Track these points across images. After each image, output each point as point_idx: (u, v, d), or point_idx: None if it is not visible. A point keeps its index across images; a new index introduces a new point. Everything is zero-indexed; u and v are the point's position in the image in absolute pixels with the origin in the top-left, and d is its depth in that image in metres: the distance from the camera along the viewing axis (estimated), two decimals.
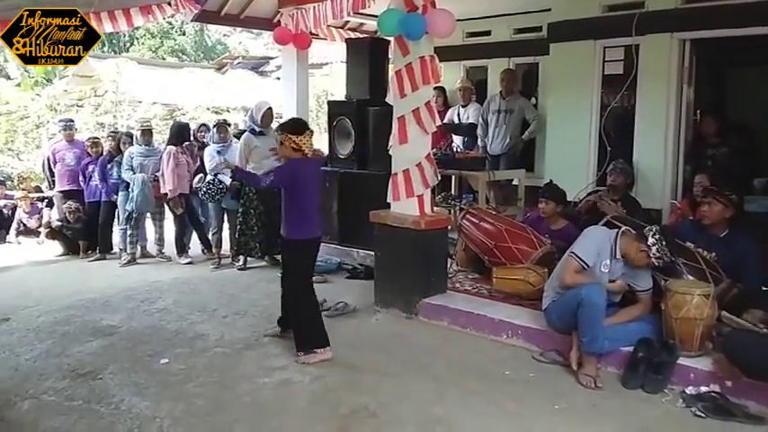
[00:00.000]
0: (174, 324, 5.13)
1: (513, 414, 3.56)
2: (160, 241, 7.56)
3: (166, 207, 7.39)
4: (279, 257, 6.40)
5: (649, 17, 6.24)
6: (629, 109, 6.56)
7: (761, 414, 3.48)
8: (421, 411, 3.59)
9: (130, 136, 7.77)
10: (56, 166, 8.16)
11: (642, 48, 6.36)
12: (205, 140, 7.67)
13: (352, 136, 7.02)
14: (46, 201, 8.88)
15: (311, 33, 7.76)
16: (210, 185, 6.89)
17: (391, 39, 5.33)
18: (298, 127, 4.42)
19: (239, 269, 6.91)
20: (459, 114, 8.55)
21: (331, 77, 14.24)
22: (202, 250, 7.62)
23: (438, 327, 4.97)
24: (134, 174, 7.13)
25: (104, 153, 7.76)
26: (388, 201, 5.30)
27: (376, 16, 5.55)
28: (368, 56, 7.06)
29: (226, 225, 7.30)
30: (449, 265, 5.66)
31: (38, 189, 9.60)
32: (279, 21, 8.02)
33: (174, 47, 22.34)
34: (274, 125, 6.86)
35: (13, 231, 8.71)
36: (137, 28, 17.40)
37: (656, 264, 4.04)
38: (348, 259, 6.84)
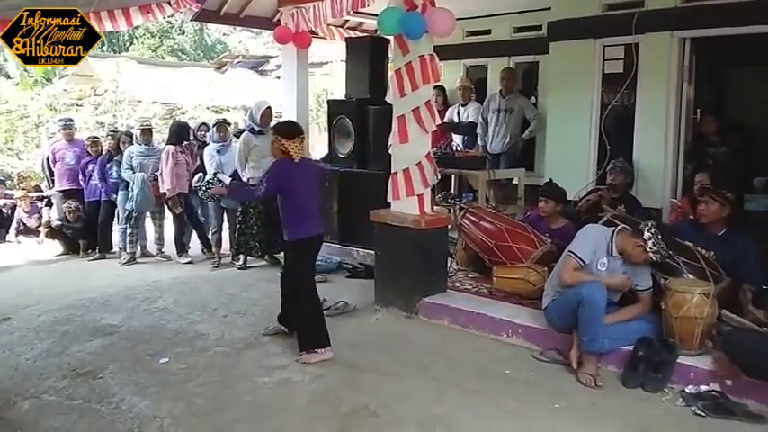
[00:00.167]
0: (174, 323, 5.13)
1: (514, 413, 3.56)
2: (160, 240, 7.56)
3: (166, 206, 7.39)
4: (278, 256, 6.43)
5: (649, 16, 6.24)
6: (629, 108, 6.56)
7: (761, 413, 3.47)
8: (421, 410, 3.59)
9: (130, 135, 7.77)
10: (55, 165, 8.17)
11: (642, 46, 6.36)
12: (206, 140, 7.66)
13: (351, 135, 7.02)
14: (45, 200, 8.88)
15: (311, 32, 7.75)
16: (210, 185, 6.86)
17: (391, 38, 5.32)
18: (289, 131, 4.41)
19: (239, 268, 6.91)
20: (458, 113, 8.54)
21: (331, 76, 14.24)
22: (202, 249, 7.62)
23: (438, 326, 4.97)
24: (134, 173, 7.13)
25: (104, 152, 7.76)
26: (388, 200, 5.30)
27: (376, 15, 5.55)
28: (368, 55, 7.05)
29: (225, 224, 7.30)
30: (449, 265, 5.66)
31: (37, 188, 9.60)
32: (278, 20, 8.02)
33: (173, 46, 22.34)
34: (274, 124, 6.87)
35: (12, 231, 8.71)
36: (136, 27, 17.42)
37: (654, 258, 4.04)
38: (348, 258, 6.84)
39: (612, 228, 4.27)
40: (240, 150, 6.61)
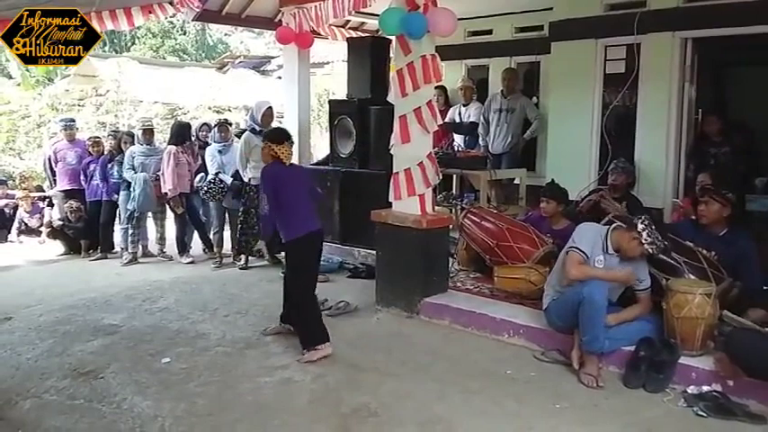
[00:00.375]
0: (175, 323, 5.13)
1: (515, 413, 3.56)
2: (161, 240, 7.56)
3: (167, 206, 7.39)
4: (280, 256, 6.43)
5: (651, 16, 6.23)
6: (630, 108, 6.54)
7: (762, 413, 3.47)
8: (422, 411, 3.59)
9: (131, 135, 7.77)
10: (57, 165, 8.17)
11: (644, 46, 6.35)
12: (207, 140, 7.67)
13: (353, 135, 7.02)
14: (47, 200, 8.89)
15: (313, 32, 7.76)
16: (211, 185, 6.90)
17: (392, 38, 5.32)
18: (278, 136, 4.58)
19: (240, 268, 6.92)
20: (460, 113, 8.54)
21: (332, 77, 14.22)
22: (203, 249, 7.63)
23: (439, 326, 4.97)
24: (135, 173, 7.13)
25: (105, 152, 7.77)
26: (389, 200, 5.30)
27: (377, 15, 5.55)
28: (369, 55, 7.05)
29: (227, 224, 7.30)
30: (450, 265, 5.66)
31: (39, 188, 9.61)
32: (280, 20, 8.02)
33: (175, 46, 22.32)
34: (275, 124, 6.88)
35: (14, 231, 8.72)
36: (138, 27, 17.43)
37: (650, 250, 4.03)
38: (349, 258, 6.84)
39: (607, 226, 4.27)
40: (241, 150, 6.62)
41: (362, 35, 8.91)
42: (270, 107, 6.71)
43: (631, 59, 6.43)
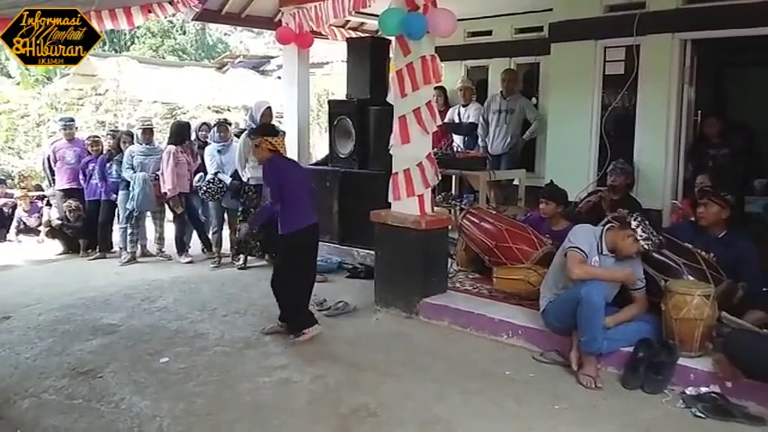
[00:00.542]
0: (174, 323, 5.13)
1: (514, 414, 3.56)
2: (160, 240, 7.56)
3: (167, 206, 7.39)
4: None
5: (650, 17, 6.23)
6: (629, 109, 6.55)
7: (761, 415, 3.47)
8: (421, 411, 3.59)
9: (131, 135, 7.77)
10: (56, 164, 8.16)
11: (643, 48, 6.35)
12: (206, 140, 7.67)
13: (352, 135, 7.02)
14: (45, 200, 8.88)
15: (312, 32, 7.76)
16: (211, 184, 6.90)
17: (392, 38, 5.32)
18: (273, 130, 4.75)
19: (239, 268, 6.91)
20: (459, 114, 8.55)
21: (332, 77, 14.22)
22: (202, 249, 7.63)
23: (438, 326, 4.97)
24: (134, 173, 7.13)
25: (104, 152, 7.77)
26: (388, 200, 5.30)
27: (377, 16, 5.55)
28: (368, 55, 7.06)
29: (226, 224, 7.30)
30: (449, 265, 5.66)
31: (38, 187, 9.61)
32: (280, 20, 8.02)
33: (174, 46, 22.31)
34: (275, 124, 6.88)
35: (13, 230, 8.71)
36: (138, 27, 17.40)
37: (646, 246, 4.03)
38: (348, 259, 6.84)
39: (600, 227, 4.27)
40: (240, 150, 6.62)
41: (362, 35, 8.92)
42: (269, 107, 6.70)
43: (631, 61, 6.43)
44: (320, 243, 6.98)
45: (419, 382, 3.95)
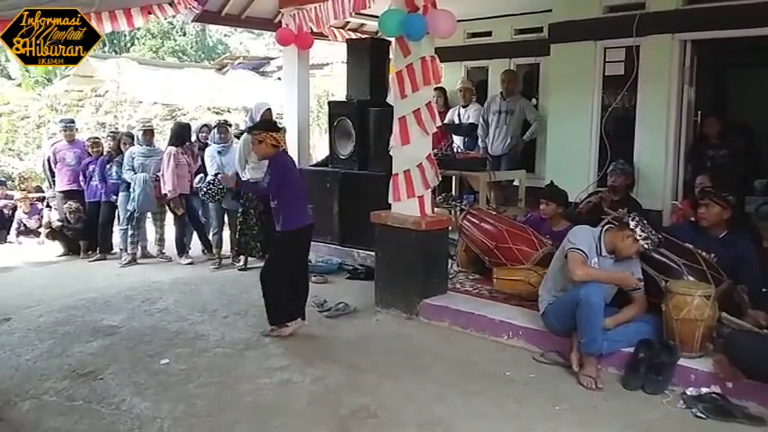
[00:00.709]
0: (174, 324, 5.13)
1: (514, 415, 3.56)
2: (161, 241, 7.56)
3: (167, 208, 7.39)
4: None
5: (650, 18, 6.23)
6: (629, 110, 6.55)
7: (761, 415, 3.47)
8: (421, 412, 3.59)
9: (131, 136, 7.76)
10: (56, 165, 8.16)
11: (643, 48, 6.35)
12: (207, 141, 7.67)
13: (352, 136, 7.02)
14: (45, 201, 8.88)
15: (312, 33, 7.76)
16: (211, 185, 6.88)
17: (392, 39, 5.33)
18: (275, 126, 4.81)
19: (240, 269, 6.91)
20: (459, 115, 8.55)
21: (332, 78, 14.22)
22: (203, 251, 7.62)
23: (439, 327, 4.97)
24: (135, 174, 7.13)
25: (104, 153, 7.77)
26: (388, 201, 5.30)
27: (377, 17, 5.55)
28: (368, 56, 7.06)
29: (226, 225, 7.30)
30: (449, 266, 5.66)
31: (38, 189, 9.61)
32: (280, 21, 8.03)
33: (174, 47, 22.33)
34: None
35: (13, 231, 8.72)
36: (138, 28, 17.42)
37: (645, 246, 4.03)
38: (349, 260, 6.84)
39: (599, 228, 4.26)
40: (240, 151, 6.62)
41: (362, 37, 8.92)
42: (269, 108, 6.69)
43: (630, 61, 6.43)
44: (321, 244, 7.08)
45: (419, 383, 3.95)
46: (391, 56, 6.41)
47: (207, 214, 7.55)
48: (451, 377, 4.05)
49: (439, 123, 5.20)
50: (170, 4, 7.63)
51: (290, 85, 8.16)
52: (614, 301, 4.21)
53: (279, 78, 13.46)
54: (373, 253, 5.69)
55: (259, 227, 6.53)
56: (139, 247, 7.52)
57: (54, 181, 8.33)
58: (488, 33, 8.74)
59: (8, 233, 8.74)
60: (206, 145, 7.49)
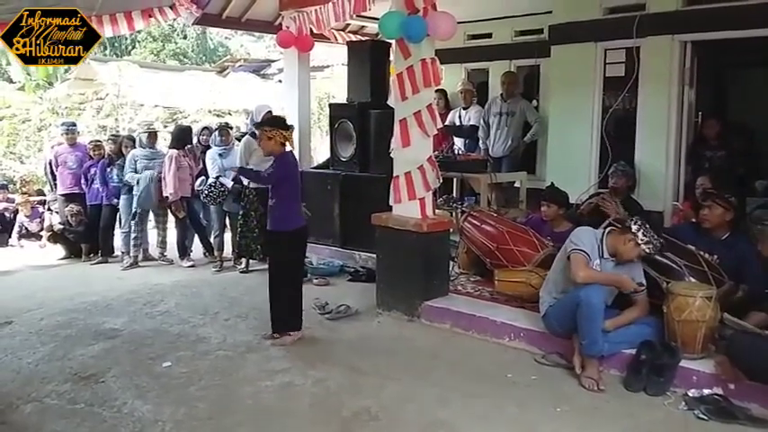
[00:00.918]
0: (176, 327, 5.13)
1: (516, 417, 3.55)
2: (162, 244, 7.56)
3: (169, 210, 7.40)
4: None
5: (650, 19, 6.24)
6: (630, 111, 6.55)
7: (764, 417, 3.47)
8: (423, 414, 3.59)
9: (132, 139, 7.78)
10: (58, 169, 8.17)
11: (643, 50, 6.35)
12: (208, 144, 7.67)
13: (353, 139, 7.03)
14: (47, 205, 8.89)
15: (313, 34, 7.77)
16: (212, 188, 6.90)
17: (392, 41, 5.33)
18: (286, 123, 4.78)
19: (241, 272, 6.92)
20: (460, 117, 8.56)
21: (332, 80, 14.24)
22: (204, 253, 7.63)
23: (440, 329, 4.97)
24: (138, 174, 7.15)
25: (105, 156, 7.78)
26: (389, 203, 5.30)
27: (377, 19, 5.56)
28: (369, 59, 7.07)
29: (228, 228, 7.30)
30: (450, 268, 5.65)
31: (39, 192, 9.61)
32: (280, 23, 8.04)
33: (175, 50, 22.38)
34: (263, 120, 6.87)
35: (15, 235, 8.73)
36: (138, 31, 17.44)
37: (647, 250, 4.02)
38: (350, 262, 6.84)
39: (601, 230, 4.26)
40: (241, 154, 6.63)
41: (362, 39, 8.93)
42: (270, 111, 6.71)
43: (631, 63, 6.44)
44: (322, 246, 7.09)
45: (421, 386, 3.95)
46: (392, 58, 6.42)
47: (208, 217, 7.56)
48: (453, 379, 4.04)
49: (440, 125, 5.20)
50: (171, 8, 7.64)
51: (290, 87, 8.17)
52: (616, 302, 4.21)
53: (280, 81, 13.48)
54: (374, 255, 5.69)
55: (259, 229, 6.52)
56: (141, 250, 7.52)
57: (55, 184, 8.34)
58: (489, 35, 8.75)
59: (10, 236, 8.75)
60: (207, 148, 7.50)
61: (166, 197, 7.14)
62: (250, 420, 3.55)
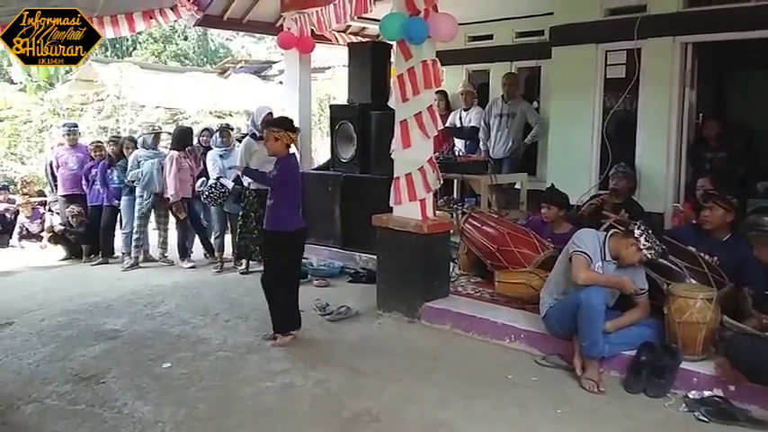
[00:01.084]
0: (176, 328, 5.13)
1: (516, 419, 3.55)
2: (163, 245, 7.57)
3: (170, 212, 7.40)
4: None
5: (651, 21, 6.24)
6: (631, 112, 6.56)
7: (764, 418, 3.47)
8: (424, 416, 3.59)
9: (134, 141, 7.79)
10: (59, 170, 8.18)
11: (644, 51, 6.36)
12: (209, 145, 7.67)
13: (354, 140, 7.03)
14: (48, 205, 8.90)
15: (314, 36, 7.78)
16: (213, 189, 6.91)
17: (393, 43, 5.34)
18: (293, 125, 4.79)
19: (241, 273, 6.92)
20: (461, 118, 8.56)
21: (333, 81, 14.25)
22: (205, 254, 7.62)
23: (440, 331, 4.96)
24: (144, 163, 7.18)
25: (105, 157, 7.78)
26: (390, 205, 5.30)
27: (378, 20, 5.57)
28: (370, 60, 7.07)
29: (228, 229, 7.31)
30: (451, 269, 5.65)
31: (40, 193, 9.62)
32: (281, 25, 8.04)
33: (176, 51, 22.40)
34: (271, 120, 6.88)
35: (15, 236, 8.73)
36: (139, 33, 17.46)
37: (649, 255, 4.02)
38: (350, 263, 6.85)
39: (604, 233, 4.26)
40: (242, 155, 6.63)
41: (363, 40, 8.94)
42: (270, 112, 6.72)
43: (632, 64, 6.44)
44: (322, 247, 7.09)
45: (421, 387, 3.95)
46: (392, 59, 6.43)
47: (209, 218, 7.57)
48: (453, 380, 4.04)
49: (440, 127, 5.20)
50: (172, 9, 7.65)
51: (291, 88, 8.17)
52: (618, 304, 4.21)
53: (280, 82, 13.48)
54: (375, 256, 5.69)
55: (259, 230, 6.52)
56: (141, 251, 7.52)
57: (56, 185, 8.35)
58: (489, 36, 8.76)
59: (10, 237, 8.76)
60: (208, 149, 7.51)
61: (167, 198, 7.14)
62: (250, 421, 3.55)
